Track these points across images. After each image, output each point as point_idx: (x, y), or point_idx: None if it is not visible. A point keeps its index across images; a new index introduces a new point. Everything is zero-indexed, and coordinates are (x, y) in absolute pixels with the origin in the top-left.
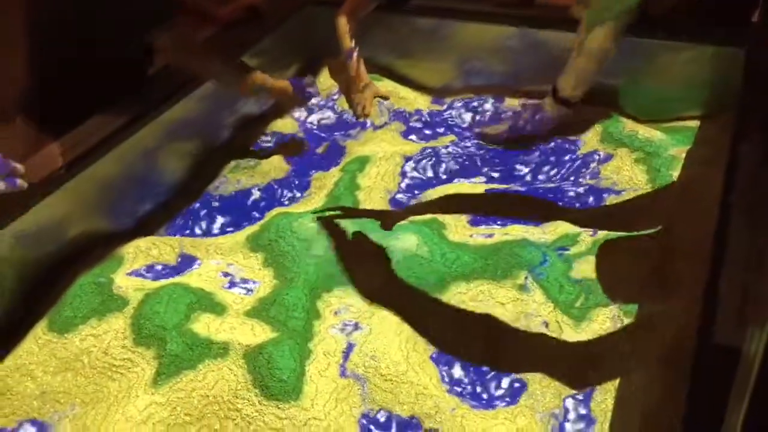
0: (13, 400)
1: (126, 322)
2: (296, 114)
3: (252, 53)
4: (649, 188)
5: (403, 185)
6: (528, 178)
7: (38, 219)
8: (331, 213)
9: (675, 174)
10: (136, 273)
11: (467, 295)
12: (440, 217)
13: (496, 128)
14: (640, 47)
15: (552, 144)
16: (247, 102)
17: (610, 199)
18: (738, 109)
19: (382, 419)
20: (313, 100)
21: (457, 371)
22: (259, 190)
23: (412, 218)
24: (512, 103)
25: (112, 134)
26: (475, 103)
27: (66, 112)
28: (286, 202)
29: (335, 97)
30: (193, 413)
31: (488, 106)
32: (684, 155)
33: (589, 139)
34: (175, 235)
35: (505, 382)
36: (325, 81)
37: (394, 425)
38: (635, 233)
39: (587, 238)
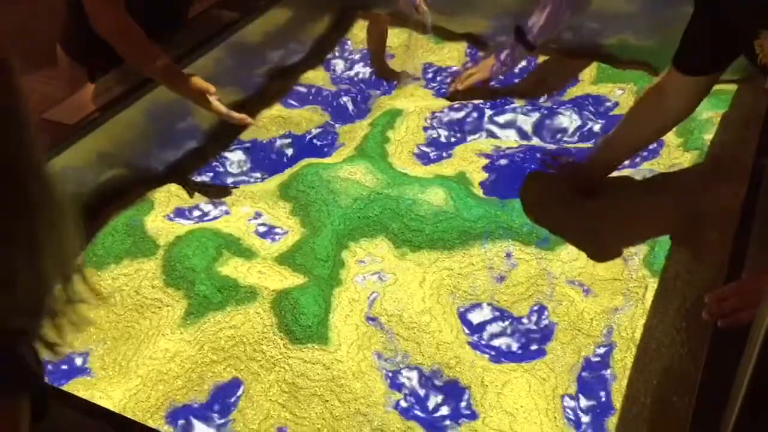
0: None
1: (157, 263)
2: (328, 66)
3: (282, 5)
4: (682, 151)
5: (431, 140)
6: (559, 135)
7: (73, 159)
8: (360, 165)
9: (708, 137)
10: (167, 216)
11: (492, 251)
12: (467, 172)
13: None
14: (676, 6)
15: (584, 102)
16: (279, 52)
17: (641, 161)
18: None
19: (403, 367)
20: (343, 54)
21: (480, 325)
22: (289, 139)
23: (439, 173)
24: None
25: (146, 79)
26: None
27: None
28: (316, 153)
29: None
30: (220, 353)
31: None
32: (719, 119)
33: (623, 100)
34: (206, 181)
35: (526, 338)
36: (358, 34)
37: (414, 373)
38: (663, 191)
39: (616, 201)
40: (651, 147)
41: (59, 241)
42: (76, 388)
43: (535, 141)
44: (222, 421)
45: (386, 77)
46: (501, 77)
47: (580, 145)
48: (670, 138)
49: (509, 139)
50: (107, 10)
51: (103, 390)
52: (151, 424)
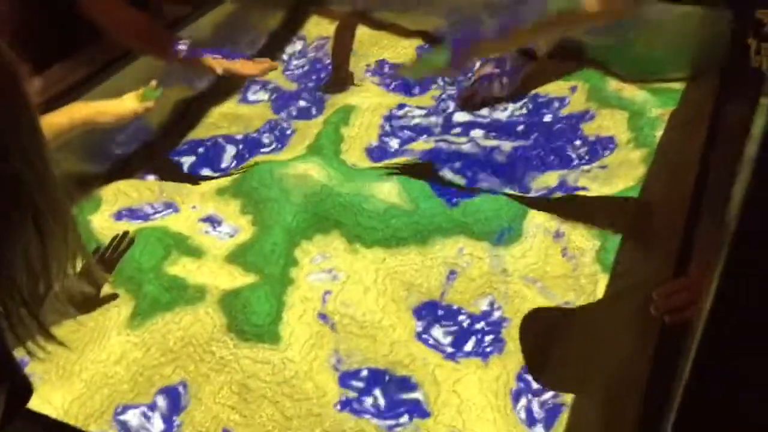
0: None
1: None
2: (282, 62)
3: None
4: (631, 147)
5: (385, 137)
6: (510, 134)
7: None
8: (312, 162)
9: (657, 134)
10: (114, 215)
11: (445, 248)
12: (420, 169)
13: (470, 92)
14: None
15: (537, 101)
16: (231, 47)
17: (592, 157)
18: (721, 72)
19: (356, 366)
20: (297, 50)
21: (433, 323)
22: (241, 136)
23: (393, 169)
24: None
25: (90, 74)
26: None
27: (46, 52)
28: (268, 150)
29: (323, 45)
30: (168, 354)
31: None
32: (668, 116)
33: (575, 98)
34: (155, 179)
35: (480, 335)
36: (312, 30)
37: (367, 372)
38: (615, 191)
39: (567, 194)
40: (606, 145)
41: (63, 230)
42: None
43: (489, 140)
44: (170, 424)
45: (342, 83)
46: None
47: (522, 142)
48: (620, 135)
49: (461, 136)
50: None
51: (44, 396)
52: (94, 429)
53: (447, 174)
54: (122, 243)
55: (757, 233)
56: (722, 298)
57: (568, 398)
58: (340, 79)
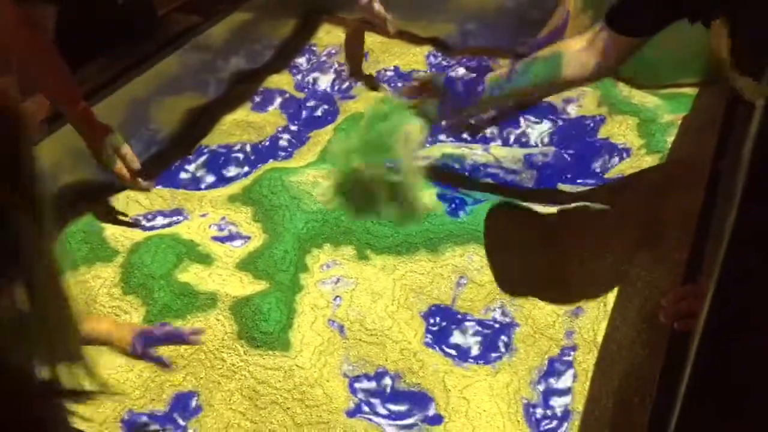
0: None
1: (115, 270)
2: (293, 71)
3: (246, 8)
4: (643, 153)
5: None
6: (522, 140)
7: None
8: (323, 169)
9: (669, 140)
10: (126, 223)
11: (455, 254)
12: (433, 176)
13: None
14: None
15: (547, 107)
16: (243, 56)
17: (603, 164)
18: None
19: (366, 372)
20: (308, 58)
21: (443, 329)
22: (252, 144)
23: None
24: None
25: (103, 84)
26: (473, 63)
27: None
28: (280, 158)
29: (334, 53)
30: (179, 362)
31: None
32: (680, 121)
33: (586, 103)
34: (166, 187)
35: (490, 341)
36: (323, 38)
37: (377, 379)
38: (625, 198)
39: (579, 202)
40: (611, 152)
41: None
42: None
43: (498, 149)
44: (181, 430)
45: (358, 79)
46: None
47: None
48: (632, 141)
49: (474, 143)
50: (23, 29)
51: None
52: None
53: (458, 180)
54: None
55: (752, 234)
56: (720, 301)
57: (578, 405)
58: (357, 77)
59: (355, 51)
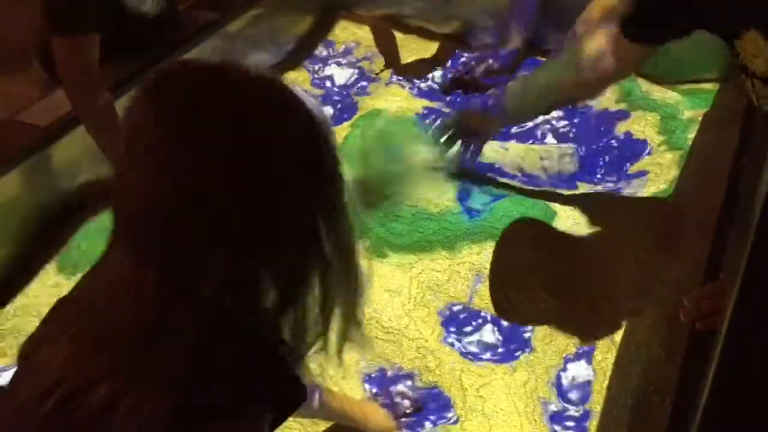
0: (20, 339)
1: None
2: (310, 67)
3: (262, 5)
4: (663, 149)
5: None
6: (541, 137)
7: (46, 161)
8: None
9: (690, 136)
10: None
11: (473, 252)
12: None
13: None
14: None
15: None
16: (259, 53)
17: (622, 160)
18: None
19: (382, 371)
20: (325, 54)
21: (460, 327)
22: None
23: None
24: None
25: (121, 81)
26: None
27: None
28: None
29: (351, 50)
30: None
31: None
32: (701, 118)
33: (605, 99)
34: None
35: (507, 340)
36: (340, 34)
37: (393, 377)
38: (647, 193)
39: (597, 197)
40: (631, 148)
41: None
42: None
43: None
44: None
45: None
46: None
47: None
48: (653, 137)
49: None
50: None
51: None
52: None
53: (475, 178)
54: None
55: None
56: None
57: (596, 405)
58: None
59: (385, 45)
